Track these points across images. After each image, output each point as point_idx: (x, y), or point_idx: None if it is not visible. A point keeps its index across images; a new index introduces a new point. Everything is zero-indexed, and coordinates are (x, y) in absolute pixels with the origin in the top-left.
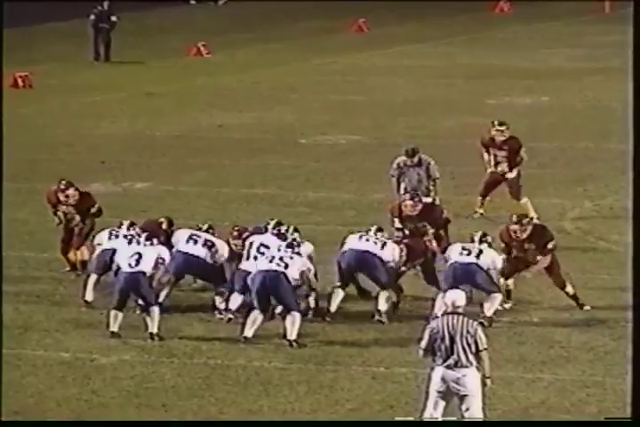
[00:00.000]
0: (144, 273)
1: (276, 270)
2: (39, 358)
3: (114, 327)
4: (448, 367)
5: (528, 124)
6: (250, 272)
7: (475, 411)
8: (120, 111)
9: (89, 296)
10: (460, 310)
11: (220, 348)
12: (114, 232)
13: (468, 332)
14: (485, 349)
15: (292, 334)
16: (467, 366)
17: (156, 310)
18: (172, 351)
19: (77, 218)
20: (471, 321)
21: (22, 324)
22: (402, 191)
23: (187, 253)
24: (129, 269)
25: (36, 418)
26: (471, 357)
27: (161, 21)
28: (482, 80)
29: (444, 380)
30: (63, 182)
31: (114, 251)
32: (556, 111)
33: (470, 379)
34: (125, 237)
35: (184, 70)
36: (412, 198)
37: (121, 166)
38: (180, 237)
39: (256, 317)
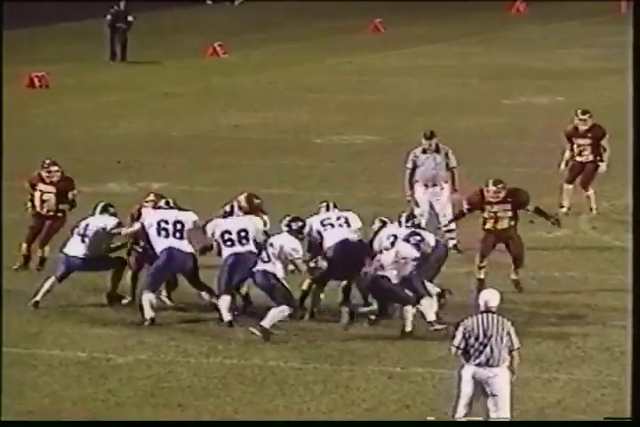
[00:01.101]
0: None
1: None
2: (55, 357)
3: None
4: (479, 365)
5: (544, 125)
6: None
7: (503, 411)
8: (136, 111)
9: (39, 297)
10: (493, 310)
11: (235, 348)
12: (76, 230)
13: (502, 330)
14: (518, 348)
15: (431, 316)
16: (498, 366)
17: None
18: (188, 351)
19: (53, 200)
20: (505, 320)
21: (38, 323)
22: (414, 179)
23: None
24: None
25: (51, 418)
26: (504, 355)
27: (177, 21)
28: (497, 80)
29: (474, 378)
30: (47, 161)
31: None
32: (572, 111)
33: (501, 379)
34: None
35: (200, 70)
36: (495, 184)
37: (137, 166)
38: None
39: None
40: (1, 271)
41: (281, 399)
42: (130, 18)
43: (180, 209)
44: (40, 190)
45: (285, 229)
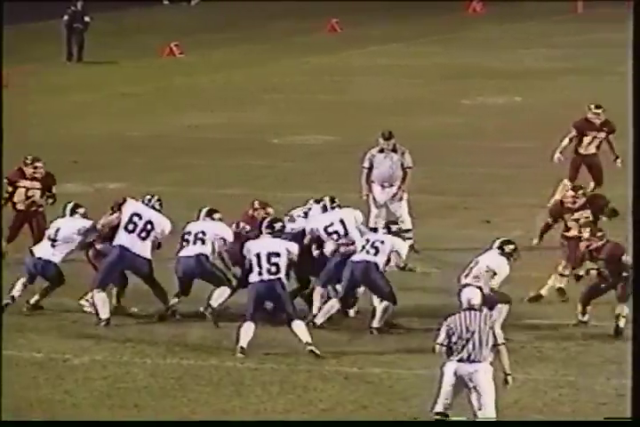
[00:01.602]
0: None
1: (368, 260)
2: (12, 358)
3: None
4: (461, 361)
5: (502, 124)
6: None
7: (487, 408)
8: (95, 111)
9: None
10: (476, 307)
11: (192, 348)
12: (47, 232)
13: (485, 326)
14: (504, 343)
15: (377, 322)
16: (480, 361)
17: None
18: (145, 352)
19: (38, 195)
20: (488, 316)
21: None
22: (371, 179)
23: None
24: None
25: (6, 418)
26: (485, 351)
27: (133, 21)
28: (456, 80)
29: (456, 374)
30: (29, 157)
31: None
32: (529, 111)
33: (483, 374)
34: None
35: (157, 71)
36: (574, 190)
37: (95, 167)
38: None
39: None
40: (1, 272)
41: (237, 400)
42: (86, 18)
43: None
44: (24, 187)
45: (267, 231)
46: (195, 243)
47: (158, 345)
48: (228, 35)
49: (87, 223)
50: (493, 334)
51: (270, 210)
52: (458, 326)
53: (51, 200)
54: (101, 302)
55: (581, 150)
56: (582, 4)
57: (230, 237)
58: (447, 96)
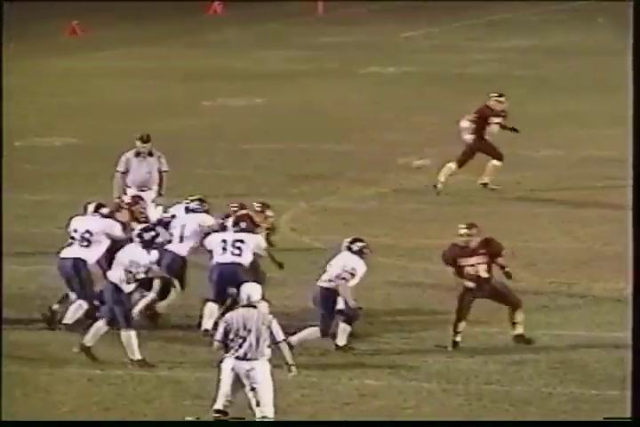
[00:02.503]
0: None
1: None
2: None
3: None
4: (238, 358)
5: (242, 126)
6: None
7: (266, 405)
8: None
9: None
10: (254, 304)
11: None
12: None
13: (262, 324)
14: (284, 340)
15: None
16: (256, 359)
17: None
18: None
19: None
20: (266, 314)
21: None
22: (126, 183)
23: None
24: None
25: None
26: (262, 348)
27: None
28: (196, 82)
29: (233, 370)
30: None
31: None
32: (270, 113)
33: (259, 372)
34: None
35: None
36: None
37: None
38: None
39: (212, 309)
40: (1, 274)
41: None
42: None
43: None
44: None
45: (138, 239)
46: (80, 244)
47: None
48: None
49: None
50: (271, 332)
51: (141, 205)
52: (235, 322)
53: None
54: None
55: (485, 135)
56: (322, 6)
57: (120, 233)
58: (188, 98)
